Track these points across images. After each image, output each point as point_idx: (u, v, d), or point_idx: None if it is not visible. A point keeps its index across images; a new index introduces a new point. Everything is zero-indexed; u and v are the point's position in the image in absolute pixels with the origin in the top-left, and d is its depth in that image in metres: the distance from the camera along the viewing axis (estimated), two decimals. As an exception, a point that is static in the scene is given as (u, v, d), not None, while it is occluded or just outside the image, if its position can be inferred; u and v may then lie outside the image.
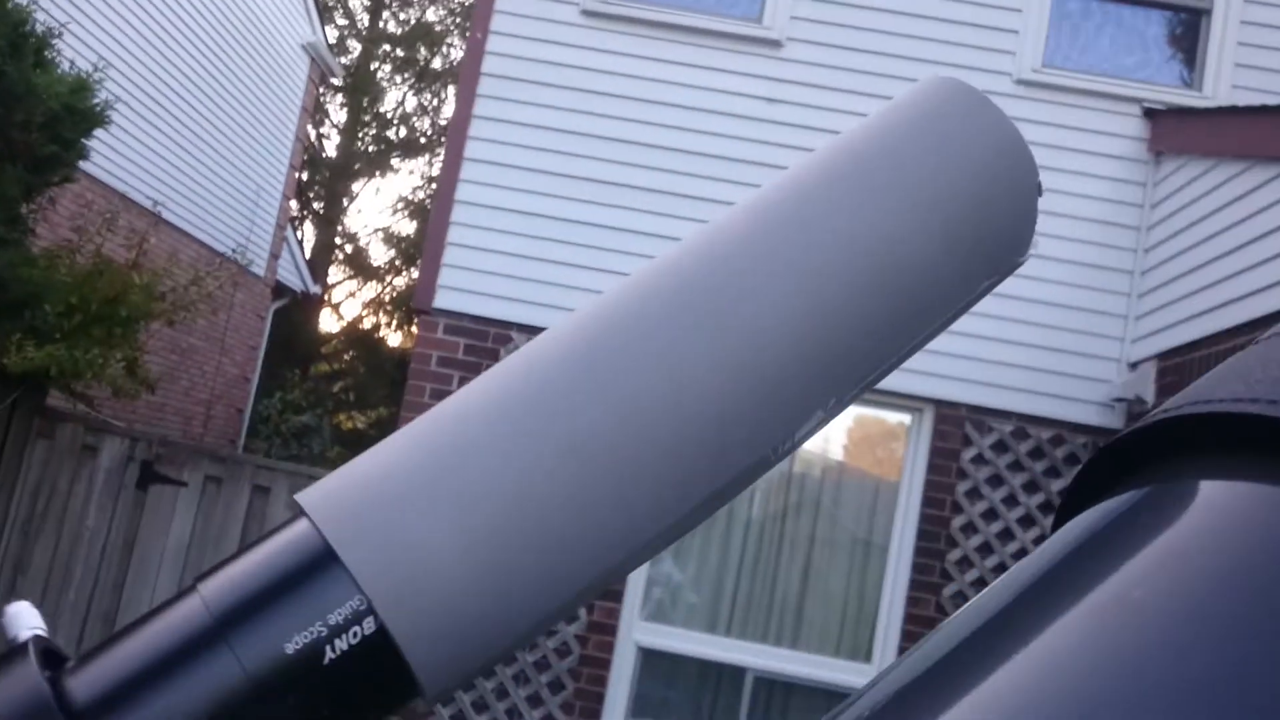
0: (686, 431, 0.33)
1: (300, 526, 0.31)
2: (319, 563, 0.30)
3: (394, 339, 19.94)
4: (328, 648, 0.29)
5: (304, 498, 0.32)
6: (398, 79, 20.77)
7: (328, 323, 20.24)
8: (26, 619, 0.31)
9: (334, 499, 0.31)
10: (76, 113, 5.56)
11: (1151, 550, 0.24)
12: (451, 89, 19.68)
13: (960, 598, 4.75)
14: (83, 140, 5.82)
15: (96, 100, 5.84)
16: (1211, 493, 0.25)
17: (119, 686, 0.29)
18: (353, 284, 20.94)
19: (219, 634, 0.29)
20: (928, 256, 0.35)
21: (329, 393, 16.70)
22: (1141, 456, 0.29)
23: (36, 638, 0.30)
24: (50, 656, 0.30)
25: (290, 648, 0.29)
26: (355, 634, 0.29)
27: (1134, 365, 4.77)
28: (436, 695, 0.31)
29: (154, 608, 0.31)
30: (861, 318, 0.35)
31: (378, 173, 20.90)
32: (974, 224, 0.36)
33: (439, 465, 0.31)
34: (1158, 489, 0.27)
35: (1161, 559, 0.24)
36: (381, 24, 20.58)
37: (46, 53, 5.63)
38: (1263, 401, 0.25)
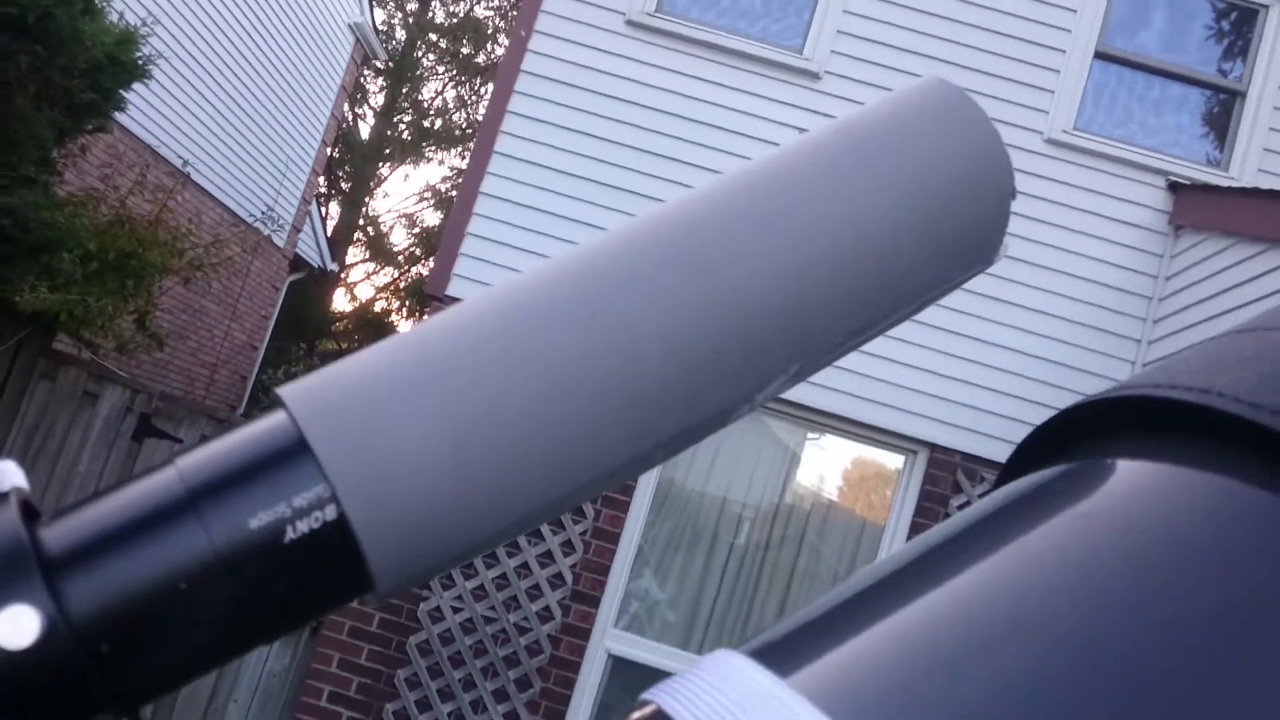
0: (659, 372, 0.35)
1: (278, 416, 0.33)
2: (291, 450, 0.32)
3: (404, 325, 19.98)
4: (289, 528, 0.31)
5: (284, 390, 0.34)
6: (439, 70, 20.87)
7: (340, 301, 20.30)
8: (9, 475, 0.33)
9: (312, 392, 0.33)
10: (119, 64, 5.60)
11: (1059, 514, 0.26)
12: (491, 86, 19.74)
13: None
14: (121, 91, 5.86)
15: (140, 54, 5.88)
16: (1122, 469, 0.27)
17: (91, 542, 0.30)
18: (370, 266, 21.01)
19: (189, 504, 0.31)
20: (902, 240, 0.37)
21: (333, 371, 16.67)
22: (1070, 436, 0.31)
23: (17, 489, 0.32)
24: (28, 509, 0.32)
25: (254, 523, 0.31)
26: (317, 519, 0.31)
27: (1132, 434, 4.77)
28: (387, 590, 0.33)
29: (130, 477, 0.33)
30: (834, 289, 0.37)
31: (409, 160, 20.98)
32: (948, 216, 0.38)
33: (418, 372, 0.33)
34: (1079, 465, 0.29)
35: (1066, 522, 0.26)
36: (430, 14, 20.68)
37: (96, 0, 5.68)
38: (1180, 388, 0.27)
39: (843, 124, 0.39)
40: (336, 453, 0.32)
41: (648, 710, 0.26)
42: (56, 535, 0.30)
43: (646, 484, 5.05)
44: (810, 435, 5.30)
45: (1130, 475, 0.27)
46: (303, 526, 0.31)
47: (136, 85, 6.10)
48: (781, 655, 0.25)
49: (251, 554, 0.31)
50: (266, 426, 0.33)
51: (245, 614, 0.31)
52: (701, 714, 0.24)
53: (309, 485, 0.31)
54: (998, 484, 0.32)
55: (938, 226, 0.38)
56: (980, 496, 4.24)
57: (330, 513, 0.31)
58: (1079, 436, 0.30)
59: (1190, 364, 0.28)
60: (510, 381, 0.33)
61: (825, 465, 5.41)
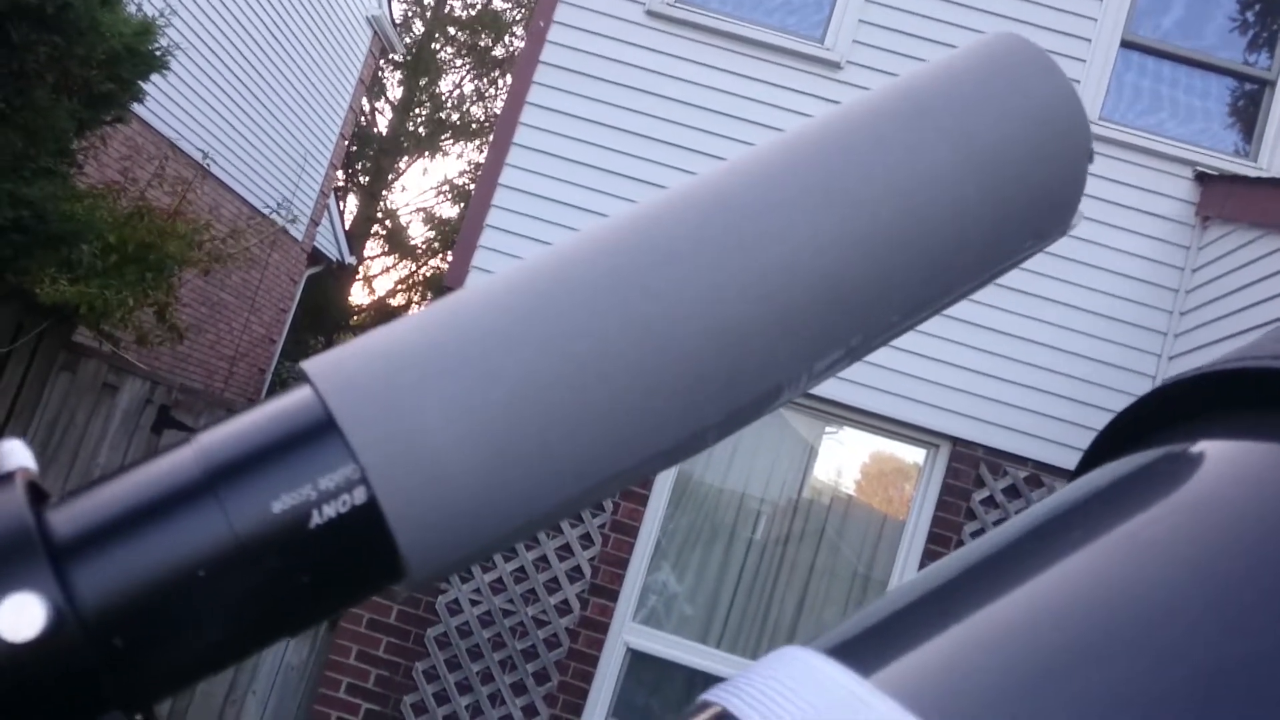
0: (705, 346, 0.32)
1: (303, 392, 0.31)
2: (317, 428, 0.30)
3: (422, 319, 20.05)
4: (315, 512, 0.29)
5: (309, 364, 0.31)
6: (457, 63, 20.91)
7: (358, 295, 20.39)
8: (16, 455, 0.31)
9: (339, 367, 0.31)
10: (137, 55, 5.62)
11: (1167, 501, 0.25)
12: (509, 78, 19.80)
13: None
14: (139, 83, 5.87)
15: (158, 45, 5.89)
16: (1231, 450, 0.26)
17: (103, 526, 0.28)
18: (388, 260, 21.09)
19: (208, 485, 0.29)
20: (971, 207, 0.35)
21: (351, 364, 16.77)
22: (1163, 417, 0.29)
23: (23, 470, 0.30)
24: (35, 492, 0.30)
25: (277, 506, 0.29)
26: (345, 502, 0.29)
27: (1157, 427, 4.74)
28: (418, 580, 0.31)
29: (146, 457, 0.30)
30: (894, 260, 0.34)
31: (426, 153, 21.04)
32: (1021, 181, 0.36)
33: (452, 348, 0.31)
34: (1179, 447, 0.27)
35: (1177, 510, 0.24)
36: (447, 7, 20.72)
37: (115, -8, 5.69)
38: (1267, 357, 0.25)
39: (905, 81, 0.37)
40: (366, 431, 0.29)
41: (711, 712, 0.24)
42: (65, 519, 0.28)
43: (665, 478, 5.04)
44: (829, 429, 5.29)
45: (1243, 456, 0.25)
46: (329, 510, 0.29)
47: (154, 78, 6.12)
48: (860, 652, 0.23)
49: (274, 540, 0.28)
50: (290, 403, 0.31)
51: (267, 605, 0.29)
52: (777, 718, 0.22)
53: (336, 466, 0.29)
54: (1080, 471, 0.30)
55: (1009, 191, 0.35)
56: (1003, 491, 4.22)
57: (359, 495, 0.29)
58: (1170, 418, 0.28)
59: None
60: (548, 358, 0.31)
61: (845, 459, 5.39)
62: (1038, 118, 0.36)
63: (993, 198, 0.35)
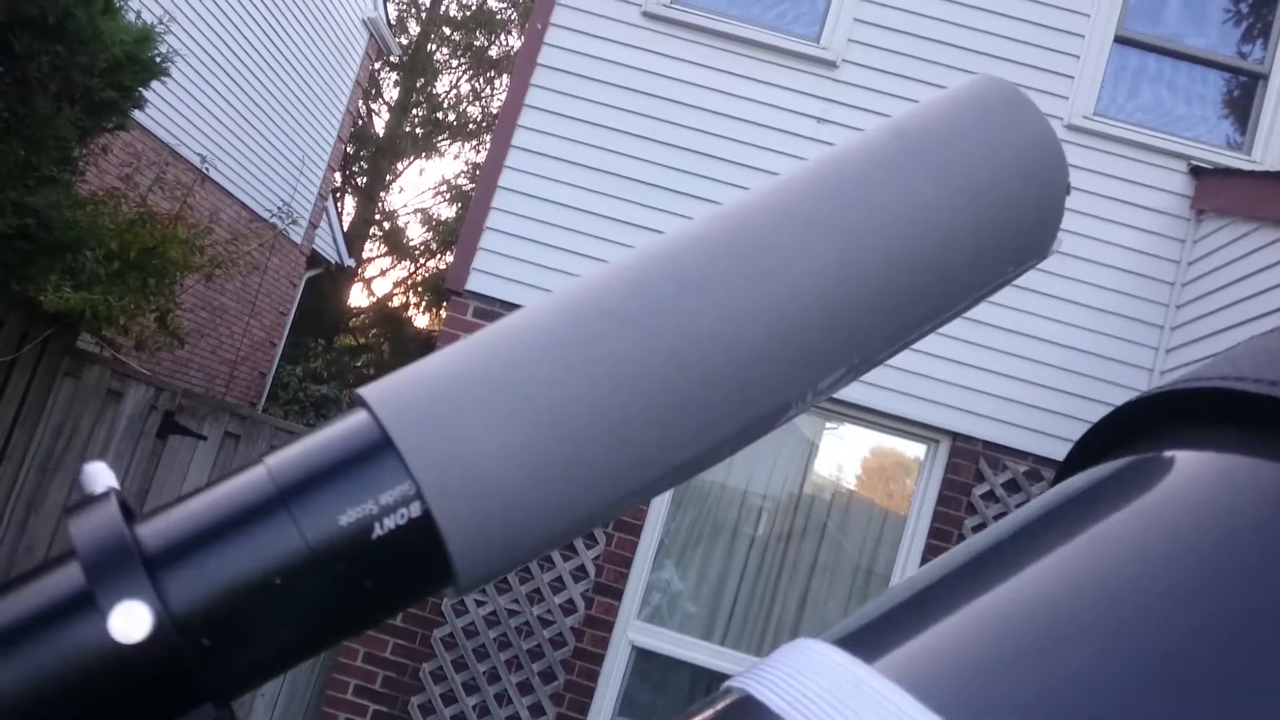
0: (722, 369, 0.35)
1: (360, 416, 0.34)
2: (375, 448, 0.33)
3: (421, 320, 20.04)
4: (376, 524, 0.32)
5: (365, 391, 0.35)
6: (453, 63, 20.88)
7: (357, 297, 20.36)
8: (104, 476, 0.34)
9: (392, 393, 0.34)
10: (138, 62, 5.63)
11: (1130, 506, 0.27)
12: (506, 78, 19.78)
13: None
14: (140, 90, 5.89)
15: (158, 52, 5.91)
16: (1188, 461, 0.28)
17: (188, 540, 0.31)
18: (386, 261, 21.06)
19: (281, 501, 0.32)
20: (958, 237, 0.38)
21: (351, 366, 16.77)
22: (1134, 429, 0.31)
23: (115, 490, 0.33)
24: (124, 508, 0.33)
25: (344, 520, 0.32)
26: (402, 515, 0.32)
27: (1155, 420, 4.75)
28: (468, 583, 0.34)
29: (219, 477, 0.34)
30: (890, 288, 0.37)
31: (423, 154, 21.00)
32: (1004, 212, 0.39)
33: (495, 371, 0.34)
34: (1144, 458, 0.29)
35: (1137, 514, 0.27)
36: (443, 7, 20.69)
37: (115, 0, 5.70)
38: (1248, 379, 0.28)
39: (897, 122, 0.40)
40: (420, 451, 0.33)
41: (735, 697, 0.27)
42: (154, 533, 0.31)
43: (668, 475, 5.04)
44: (829, 425, 5.30)
45: (1196, 466, 0.27)
46: (389, 523, 0.32)
47: (154, 84, 6.12)
48: (864, 642, 0.26)
49: (342, 550, 0.31)
50: (350, 426, 0.34)
51: (335, 608, 0.32)
52: (793, 700, 0.24)
53: (394, 483, 0.32)
54: (1060, 476, 0.33)
55: (993, 223, 0.39)
56: (1003, 485, 4.22)
57: (415, 509, 0.32)
58: (1142, 429, 0.31)
59: (1253, 356, 0.29)
60: (581, 383, 0.34)
61: (845, 455, 5.41)
62: (1020, 156, 0.39)
63: (979, 230, 0.38)
